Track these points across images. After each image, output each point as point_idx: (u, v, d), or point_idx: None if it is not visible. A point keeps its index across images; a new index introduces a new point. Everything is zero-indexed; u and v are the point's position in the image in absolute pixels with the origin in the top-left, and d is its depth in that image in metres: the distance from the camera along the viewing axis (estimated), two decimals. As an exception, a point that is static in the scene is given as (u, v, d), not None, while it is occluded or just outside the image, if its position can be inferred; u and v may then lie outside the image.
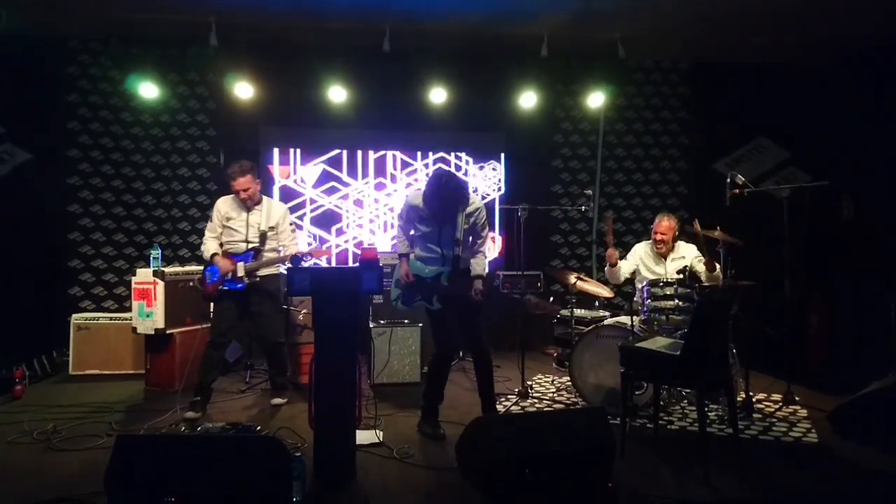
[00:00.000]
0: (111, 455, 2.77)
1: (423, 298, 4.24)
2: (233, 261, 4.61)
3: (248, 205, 4.69)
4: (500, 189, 7.26)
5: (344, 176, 7.00)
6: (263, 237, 4.69)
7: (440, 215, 4.13)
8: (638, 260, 5.16)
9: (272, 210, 4.79)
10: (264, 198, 4.83)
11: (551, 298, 6.62)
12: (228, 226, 4.69)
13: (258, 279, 4.63)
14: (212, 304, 4.91)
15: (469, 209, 4.19)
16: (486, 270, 4.39)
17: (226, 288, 4.59)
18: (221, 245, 4.71)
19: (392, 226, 7.00)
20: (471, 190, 4.40)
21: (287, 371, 5.04)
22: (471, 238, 4.28)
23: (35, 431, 4.09)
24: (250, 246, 4.66)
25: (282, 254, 4.75)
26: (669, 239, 5.01)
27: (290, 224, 4.91)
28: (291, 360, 5.35)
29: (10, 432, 4.10)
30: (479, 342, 4.25)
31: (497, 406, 4.49)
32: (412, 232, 4.33)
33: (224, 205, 4.74)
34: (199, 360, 4.65)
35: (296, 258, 4.54)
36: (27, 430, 4.12)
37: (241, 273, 4.58)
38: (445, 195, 4.02)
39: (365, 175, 7.05)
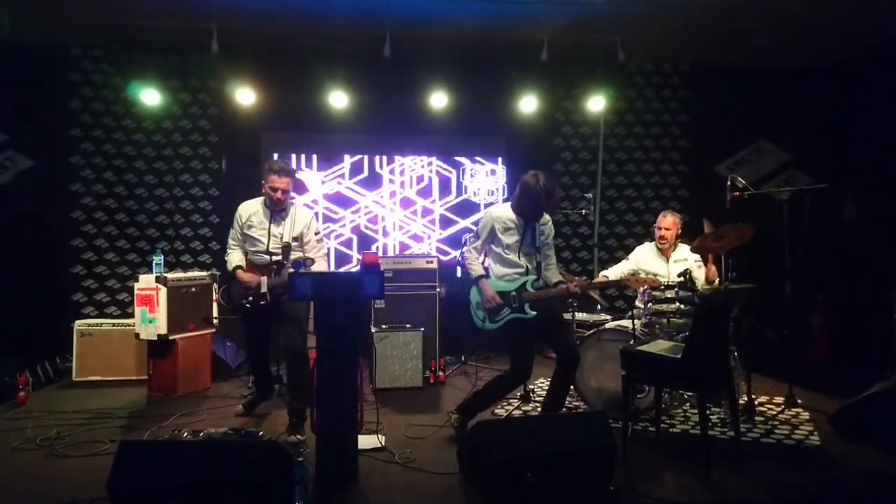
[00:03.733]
0: (114, 461, 2.78)
1: (514, 310, 4.05)
2: (257, 273, 4.27)
3: (275, 207, 4.32)
4: (500, 193, 7.27)
5: (347, 181, 7.03)
6: (287, 250, 4.25)
7: (532, 215, 4.08)
8: (635, 263, 5.18)
9: (297, 218, 4.37)
10: (291, 205, 4.43)
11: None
12: (249, 234, 4.34)
13: (282, 294, 4.20)
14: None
15: (542, 220, 4.20)
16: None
17: (248, 305, 4.26)
18: (246, 254, 4.42)
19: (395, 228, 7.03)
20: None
21: (306, 397, 4.07)
22: (544, 252, 4.24)
23: (38, 438, 4.10)
24: (273, 260, 4.26)
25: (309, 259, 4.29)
26: (672, 235, 5.03)
27: (317, 233, 4.48)
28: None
29: (14, 438, 4.11)
30: (573, 348, 4.17)
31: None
32: (488, 250, 4.23)
33: (245, 210, 4.41)
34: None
35: (297, 263, 4.25)
36: (31, 437, 4.13)
37: (263, 289, 4.21)
38: (544, 188, 3.95)
39: (369, 182, 7.08)
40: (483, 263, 4.27)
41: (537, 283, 4.11)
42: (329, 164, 7.01)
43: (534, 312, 4.02)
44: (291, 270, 4.19)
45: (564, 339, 4.17)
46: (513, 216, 4.13)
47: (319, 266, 4.33)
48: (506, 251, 4.11)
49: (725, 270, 4.45)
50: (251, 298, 4.25)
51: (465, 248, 4.36)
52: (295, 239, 4.35)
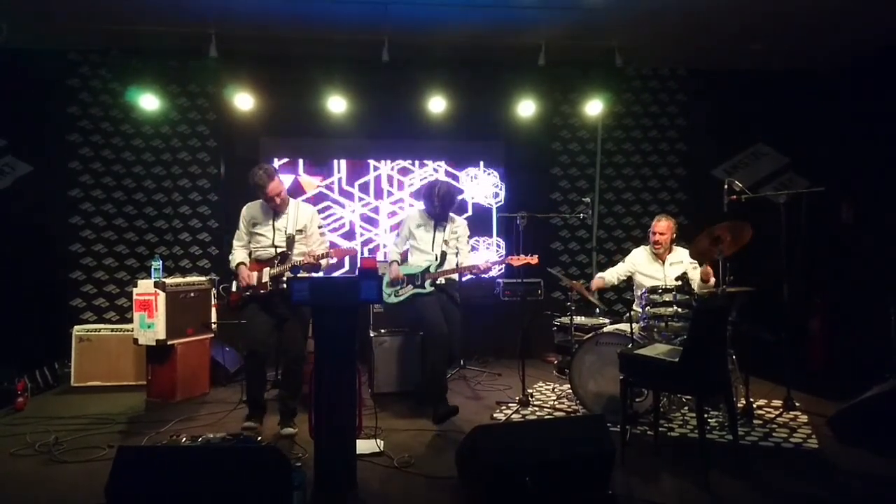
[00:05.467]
0: (112, 467, 2.78)
1: (415, 286, 4.87)
2: (258, 268, 4.43)
3: (280, 209, 4.48)
4: (498, 196, 7.28)
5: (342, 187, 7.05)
6: (291, 241, 4.45)
7: (436, 215, 4.94)
8: (632, 266, 5.19)
9: (300, 212, 4.56)
10: (291, 200, 4.60)
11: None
12: (255, 231, 4.51)
13: (285, 287, 4.34)
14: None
15: (455, 223, 5.05)
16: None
17: (247, 294, 4.41)
18: (250, 253, 4.53)
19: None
20: (459, 206, 5.30)
21: (300, 394, 4.55)
22: (456, 249, 5.04)
23: (37, 443, 4.10)
24: (278, 251, 4.44)
25: (313, 254, 4.44)
26: (667, 240, 5.04)
27: (319, 227, 4.69)
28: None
29: (13, 444, 4.11)
30: (454, 344, 4.86)
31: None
32: (407, 245, 5.05)
33: (250, 210, 4.56)
34: (244, 375, 4.65)
35: (296, 268, 4.38)
36: (29, 443, 4.13)
37: (265, 279, 4.39)
38: (440, 195, 4.85)
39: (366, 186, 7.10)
40: (405, 255, 5.11)
41: (439, 267, 4.90)
42: (326, 167, 7.02)
43: (431, 287, 4.85)
44: (290, 275, 4.29)
45: (452, 329, 4.77)
46: (424, 216, 5.02)
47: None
48: (420, 244, 4.98)
49: (723, 274, 4.46)
50: (250, 291, 4.42)
51: (391, 245, 5.32)
52: (299, 231, 4.50)
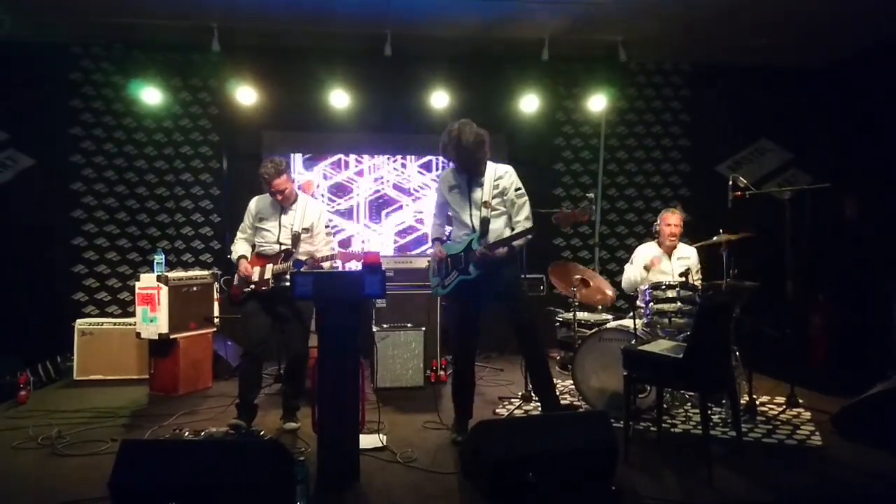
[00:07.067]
0: (115, 460, 2.79)
1: (460, 271, 4.02)
2: (260, 264, 4.32)
3: (285, 205, 4.37)
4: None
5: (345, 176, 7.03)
6: (296, 239, 4.34)
7: (466, 170, 3.99)
8: (642, 261, 5.15)
9: (308, 210, 4.43)
10: (300, 196, 4.47)
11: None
12: (261, 226, 4.39)
13: (287, 284, 4.14)
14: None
15: (495, 174, 4.05)
16: (519, 241, 4.02)
17: (249, 290, 4.30)
18: (254, 247, 4.44)
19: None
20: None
21: (303, 391, 4.49)
22: (505, 206, 4.06)
23: (39, 437, 4.10)
24: (282, 248, 4.33)
25: (315, 257, 4.35)
26: (679, 232, 5.03)
27: (327, 226, 4.56)
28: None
29: (15, 438, 4.11)
30: (521, 314, 3.97)
31: (557, 402, 4.20)
32: (448, 213, 4.24)
33: (257, 204, 4.46)
34: (238, 375, 4.37)
35: (298, 262, 4.31)
36: (32, 436, 4.13)
37: (267, 275, 4.27)
38: (465, 138, 3.88)
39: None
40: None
41: (483, 241, 3.96)
42: (328, 162, 7.01)
43: (477, 271, 3.94)
44: (294, 270, 4.23)
45: (512, 305, 3.99)
46: (454, 174, 4.13)
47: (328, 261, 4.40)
48: (458, 212, 4.10)
49: (727, 269, 4.45)
50: (252, 287, 4.30)
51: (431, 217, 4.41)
52: (305, 230, 4.40)
